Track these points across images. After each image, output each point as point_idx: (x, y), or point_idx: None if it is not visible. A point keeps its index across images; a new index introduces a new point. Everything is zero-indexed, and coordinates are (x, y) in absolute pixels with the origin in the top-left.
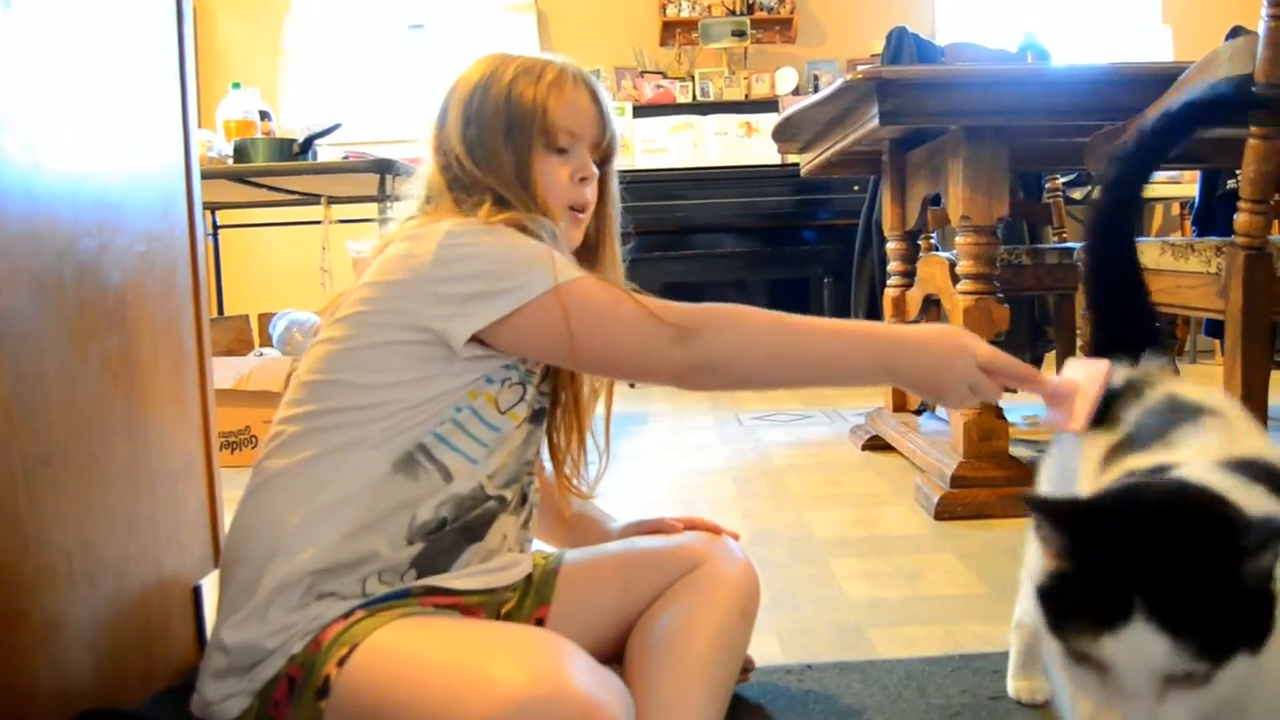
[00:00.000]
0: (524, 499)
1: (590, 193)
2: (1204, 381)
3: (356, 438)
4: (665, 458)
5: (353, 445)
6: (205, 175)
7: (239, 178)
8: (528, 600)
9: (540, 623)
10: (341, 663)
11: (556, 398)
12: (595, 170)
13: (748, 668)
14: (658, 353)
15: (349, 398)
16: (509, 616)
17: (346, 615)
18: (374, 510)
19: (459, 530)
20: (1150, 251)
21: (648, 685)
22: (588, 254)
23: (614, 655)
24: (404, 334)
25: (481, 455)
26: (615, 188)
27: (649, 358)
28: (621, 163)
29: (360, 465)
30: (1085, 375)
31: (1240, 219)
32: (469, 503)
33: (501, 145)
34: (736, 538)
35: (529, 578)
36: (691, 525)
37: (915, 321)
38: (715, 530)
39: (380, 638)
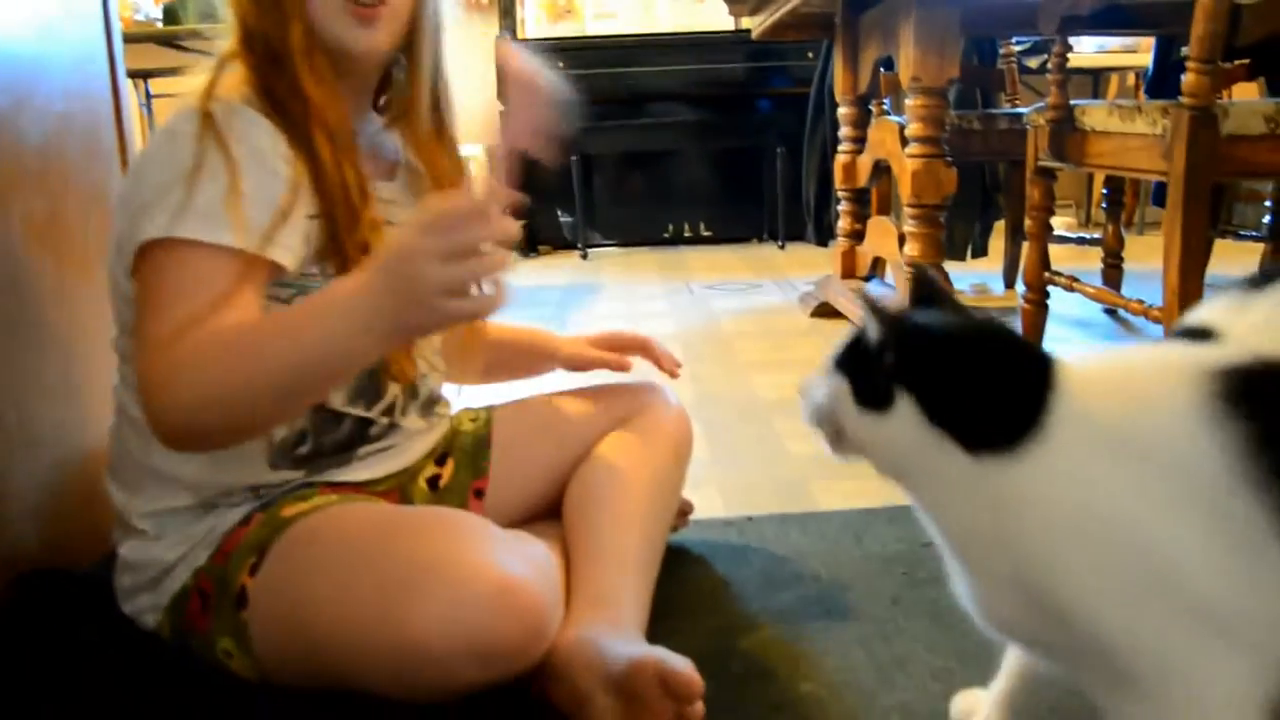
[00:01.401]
0: (414, 394)
1: None
2: (1151, 251)
3: None
4: (616, 326)
5: None
6: (130, 38)
7: (167, 40)
8: (463, 472)
9: (480, 493)
10: (254, 571)
11: None
12: None
13: (685, 511)
14: (139, 356)
15: (126, 304)
16: (446, 489)
17: (245, 520)
18: None
19: (331, 449)
20: (1098, 114)
21: (585, 536)
22: (397, 90)
23: (553, 507)
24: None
25: None
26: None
27: (136, 358)
28: (570, 29)
29: None
30: None
31: (1187, 80)
32: (327, 415)
33: None
34: (675, 372)
35: (460, 445)
36: (626, 346)
37: (866, 189)
38: (654, 358)
39: (288, 540)
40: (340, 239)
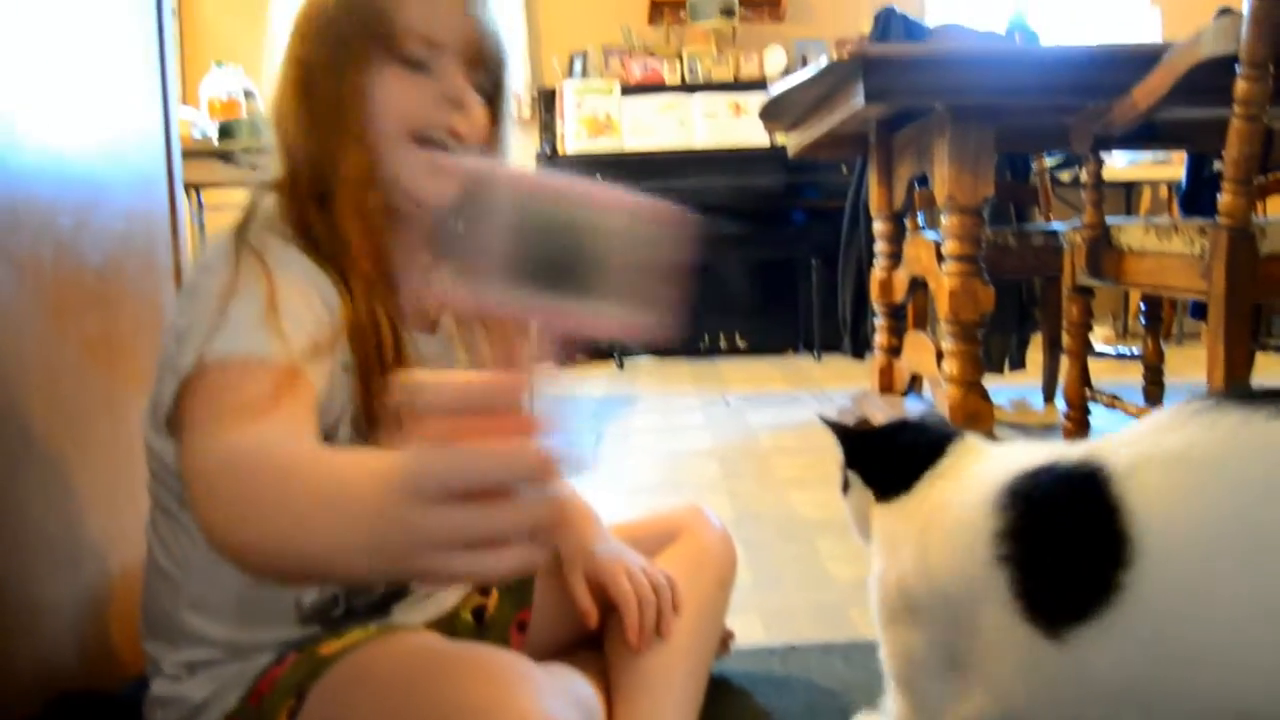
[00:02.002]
0: None
1: (463, 122)
2: (1190, 363)
3: (183, 515)
4: (652, 439)
5: (185, 525)
6: (188, 155)
7: (223, 156)
8: (507, 603)
9: (523, 626)
10: (293, 715)
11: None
12: (475, 97)
13: (727, 639)
14: (182, 468)
15: (157, 462)
16: (490, 622)
17: (280, 659)
18: (246, 601)
19: (364, 610)
20: (1134, 232)
21: (629, 669)
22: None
23: (595, 635)
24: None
25: None
26: (508, 135)
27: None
28: (609, 144)
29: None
30: None
31: (1223, 200)
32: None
33: (322, 69)
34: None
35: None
36: (626, 592)
37: (902, 304)
38: (631, 620)
39: (329, 682)
40: (369, 399)
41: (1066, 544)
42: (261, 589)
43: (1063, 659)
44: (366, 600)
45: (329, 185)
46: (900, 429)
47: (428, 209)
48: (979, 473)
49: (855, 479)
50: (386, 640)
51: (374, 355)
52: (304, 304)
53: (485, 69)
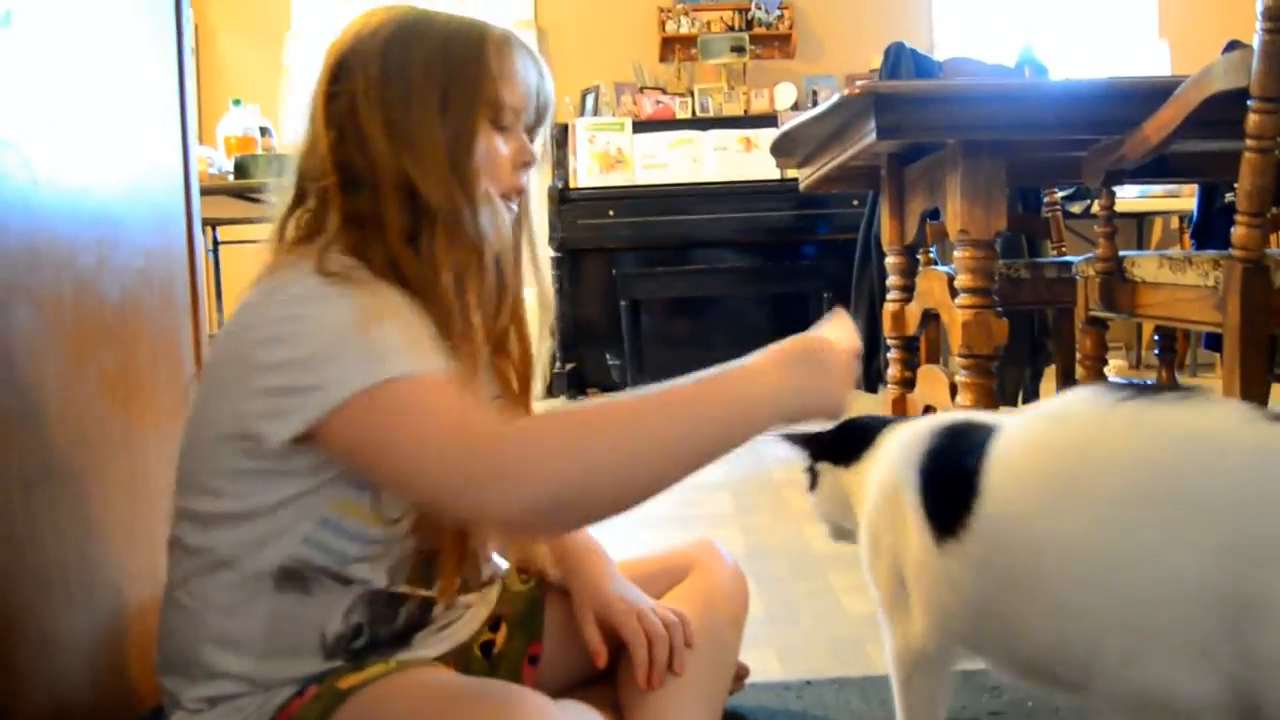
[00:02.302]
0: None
1: (527, 180)
2: None
3: (216, 555)
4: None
5: (217, 565)
6: (205, 191)
7: (239, 193)
8: (517, 637)
9: (534, 659)
10: None
11: None
12: (537, 154)
13: (741, 675)
14: (463, 496)
15: (199, 504)
16: (500, 656)
17: (300, 692)
18: (270, 635)
19: (387, 640)
20: (1148, 265)
21: (642, 705)
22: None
23: (608, 670)
24: (227, 430)
25: (383, 536)
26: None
27: (448, 497)
28: (621, 178)
29: (233, 587)
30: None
31: (1237, 232)
32: (383, 603)
33: (436, 115)
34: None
35: (513, 610)
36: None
37: (915, 337)
38: (639, 659)
39: (349, 715)
40: None
41: (949, 479)
42: (287, 622)
43: (941, 565)
44: (389, 630)
45: (420, 227)
46: (849, 423)
47: (490, 245)
48: (907, 432)
49: (823, 467)
50: (404, 675)
51: (471, 374)
52: (426, 333)
53: (539, 129)
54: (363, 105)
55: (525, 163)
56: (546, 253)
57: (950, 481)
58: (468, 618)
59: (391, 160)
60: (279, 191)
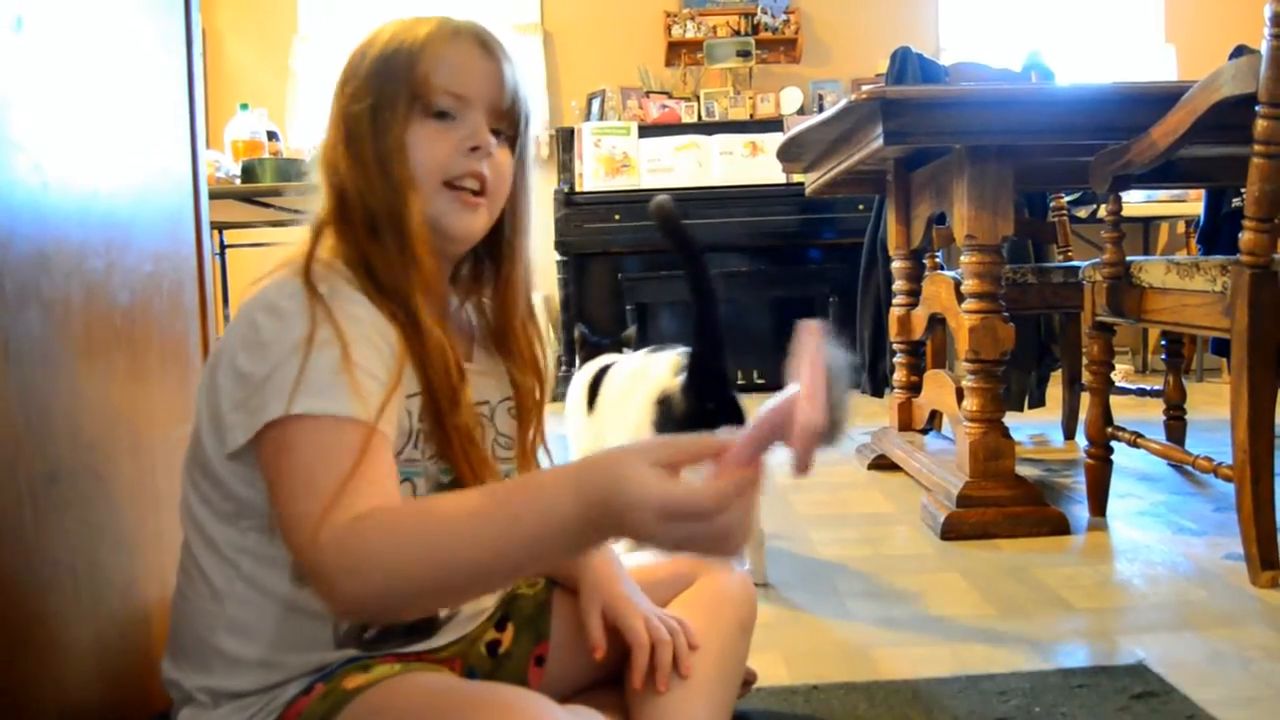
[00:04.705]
0: None
1: (487, 167)
2: (1211, 400)
3: (231, 545)
4: None
5: (234, 553)
6: (213, 195)
7: (246, 198)
8: (524, 637)
9: (540, 660)
10: None
11: (459, 476)
12: (492, 140)
13: (749, 681)
14: (298, 539)
15: (202, 490)
16: (506, 656)
17: (306, 690)
18: (285, 625)
19: (400, 630)
20: (1155, 270)
21: (650, 709)
22: (495, 254)
23: (614, 673)
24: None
25: None
26: (531, 176)
27: (292, 541)
28: (626, 182)
29: (248, 578)
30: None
31: (1245, 238)
32: None
33: (367, 113)
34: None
35: (520, 610)
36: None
37: (921, 341)
38: (639, 665)
39: (354, 714)
40: (442, 420)
41: (593, 387)
42: (301, 614)
43: (593, 428)
44: (400, 622)
45: (379, 223)
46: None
47: (457, 244)
48: (590, 366)
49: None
50: (411, 678)
51: (443, 379)
52: (373, 352)
53: (507, 118)
54: (332, 110)
55: (473, 148)
56: (551, 256)
57: (591, 388)
58: (475, 608)
59: (343, 162)
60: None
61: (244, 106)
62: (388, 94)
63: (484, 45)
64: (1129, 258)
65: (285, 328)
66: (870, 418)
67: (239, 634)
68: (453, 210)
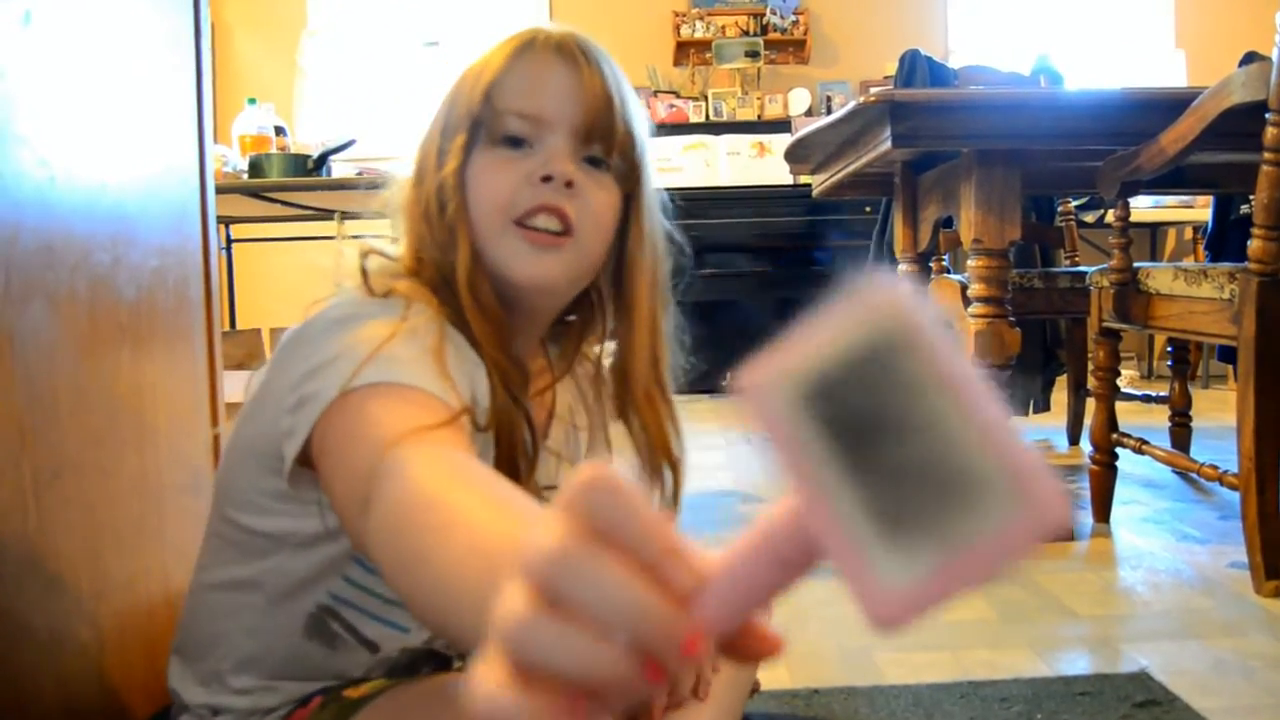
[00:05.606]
0: None
1: (569, 202)
2: (1217, 406)
3: (251, 578)
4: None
5: (252, 586)
6: (220, 190)
7: (253, 192)
8: None
9: None
10: None
11: None
12: (570, 169)
13: (754, 689)
14: (348, 517)
15: (227, 518)
16: None
17: (305, 701)
18: (289, 665)
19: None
20: (1163, 277)
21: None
22: (605, 310)
23: None
24: (260, 447)
25: (414, 624)
26: (651, 211)
27: (344, 519)
28: None
29: (262, 613)
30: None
31: (1254, 245)
32: (404, 666)
33: (433, 158)
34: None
35: None
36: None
37: None
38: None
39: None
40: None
41: None
42: (306, 661)
43: None
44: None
45: (451, 277)
46: None
47: (534, 295)
48: None
49: None
50: (418, 684)
51: (520, 450)
52: (465, 379)
53: (603, 140)
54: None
55: (545, 177)
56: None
57: None
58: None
59: (408, 203)
60: None
61: (252, 101)
62: (451, 122)
63: (564, 53)
64: (1136, 264)
65: (358, 320)
66: None
67: (241, 666)
68: (520, 253)
